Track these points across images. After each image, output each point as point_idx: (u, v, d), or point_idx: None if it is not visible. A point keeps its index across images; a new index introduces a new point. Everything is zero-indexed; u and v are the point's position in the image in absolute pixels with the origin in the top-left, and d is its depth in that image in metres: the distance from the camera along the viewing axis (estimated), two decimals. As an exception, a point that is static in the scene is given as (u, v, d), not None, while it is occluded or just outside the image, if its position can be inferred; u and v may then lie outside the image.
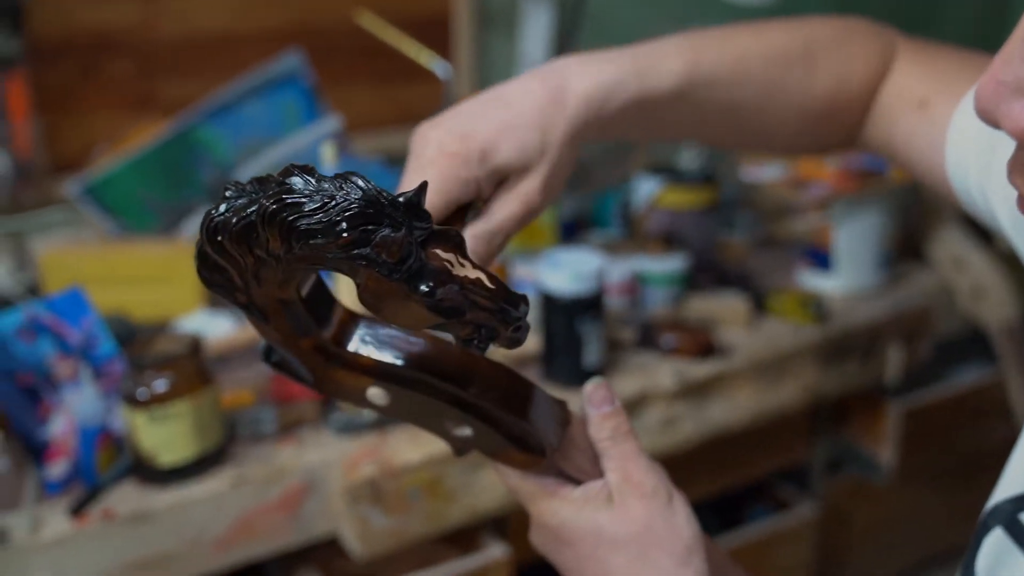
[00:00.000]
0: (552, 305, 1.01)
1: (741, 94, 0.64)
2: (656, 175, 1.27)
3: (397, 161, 1.50)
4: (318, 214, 0.41)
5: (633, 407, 1.05)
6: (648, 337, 1.10)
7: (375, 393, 0.55)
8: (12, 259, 1.22)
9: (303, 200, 0.41)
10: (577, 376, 1.03)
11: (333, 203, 0.41)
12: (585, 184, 1.48)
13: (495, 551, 1.00)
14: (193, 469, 0.87)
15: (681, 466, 1.16)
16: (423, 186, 0.42)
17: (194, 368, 0.86)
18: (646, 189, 1.27)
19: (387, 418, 0.58)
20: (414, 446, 0.94)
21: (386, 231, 0.41)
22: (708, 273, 1.26)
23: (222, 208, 0.43)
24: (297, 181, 0.41)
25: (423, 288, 0.42)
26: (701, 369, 1.08)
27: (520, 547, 1.00)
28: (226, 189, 0.43)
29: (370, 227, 0.41)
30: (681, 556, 0.54)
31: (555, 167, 0.59)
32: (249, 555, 0.90)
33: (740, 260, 1.30)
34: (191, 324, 1.11)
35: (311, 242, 0.41)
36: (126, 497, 0.85)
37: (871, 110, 0.69)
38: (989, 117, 0.35)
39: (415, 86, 1.67)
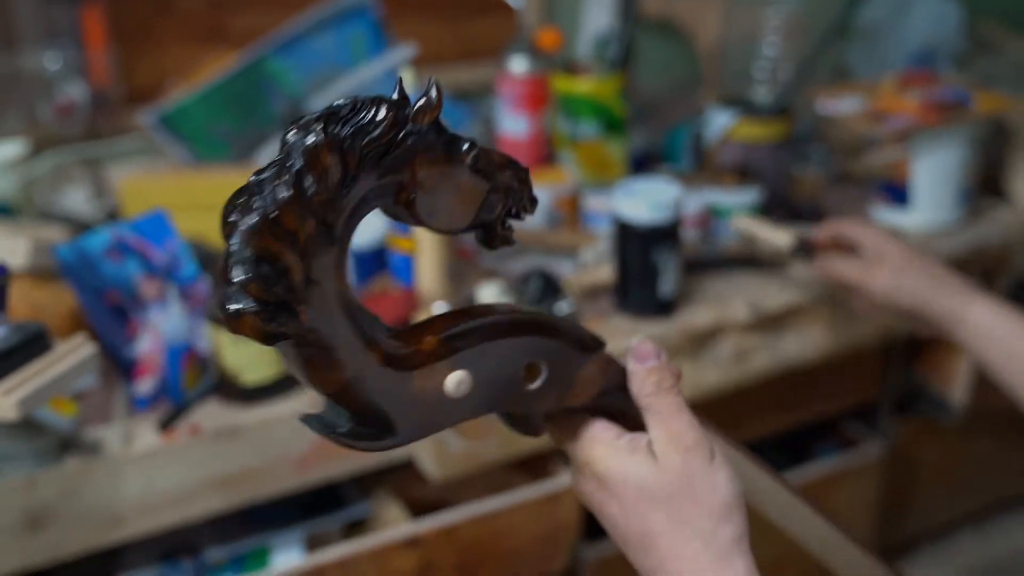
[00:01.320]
0: (628, 234, 1.01)
1: None
2: (729, 108, 1.25)
3: (463, 96, 1.50)
4: (361, 112, 0.43)
5: (706, 339, 1.04)
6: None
7: (457, 381, 0.50)
8: (90, 185, 1.25)
9: (346, 108, 0.43)
10: (652, 306, 1.02)
11: (364, 104, 0.43)
12: (655, 117, 1.47)
13: (566, 478, 1.01)
14: (274, 388, 0.88)
15: (751, 401, 1.16)
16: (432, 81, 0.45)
17: (276, 289, 0.87)
18: (719, 122, 1.25)
19: (467, 419, 0.56)
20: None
21: (410, 108, 0.44)
22: (781, 208, 1.24)
23: (266, 194, 0.42)
24: (338, 103, 0.44)
25: (464, 146, 0.46)
26: (776, 300, 1.07)
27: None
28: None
29: (403, 106, 0.44)
30: (720, 514, 0.53)
31: None
32: (327, 475, 0.92)
33: (813, 195, 1.28)
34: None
35: (364, 138, 0.43)
36: (211, 414, 0.87)
37: None
38: None
39: (481, 20, 1.66)
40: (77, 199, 1.23)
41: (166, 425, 0.84)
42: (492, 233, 0.50)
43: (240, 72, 1.34)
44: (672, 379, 0.56)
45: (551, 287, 0.99)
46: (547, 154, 1.29)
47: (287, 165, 0.42)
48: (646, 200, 0.99)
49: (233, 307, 0.41)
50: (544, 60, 1.27)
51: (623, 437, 0.56)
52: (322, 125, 0.42)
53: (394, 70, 1.34)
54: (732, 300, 1.07)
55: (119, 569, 0.95)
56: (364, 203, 0.45)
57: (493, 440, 0.95)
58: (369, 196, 0.45)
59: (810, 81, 1.31)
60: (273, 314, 0.42)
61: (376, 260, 1.07)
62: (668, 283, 1.02)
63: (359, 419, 0.48)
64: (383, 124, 0.43)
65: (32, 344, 0.71)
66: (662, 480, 0.53)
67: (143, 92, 1.40)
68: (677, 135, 1.36)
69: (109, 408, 0.88)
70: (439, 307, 0.98)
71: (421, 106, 0.44)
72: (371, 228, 1.08)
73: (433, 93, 0.44)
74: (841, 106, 1.23)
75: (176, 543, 0.97)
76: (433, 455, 0.93)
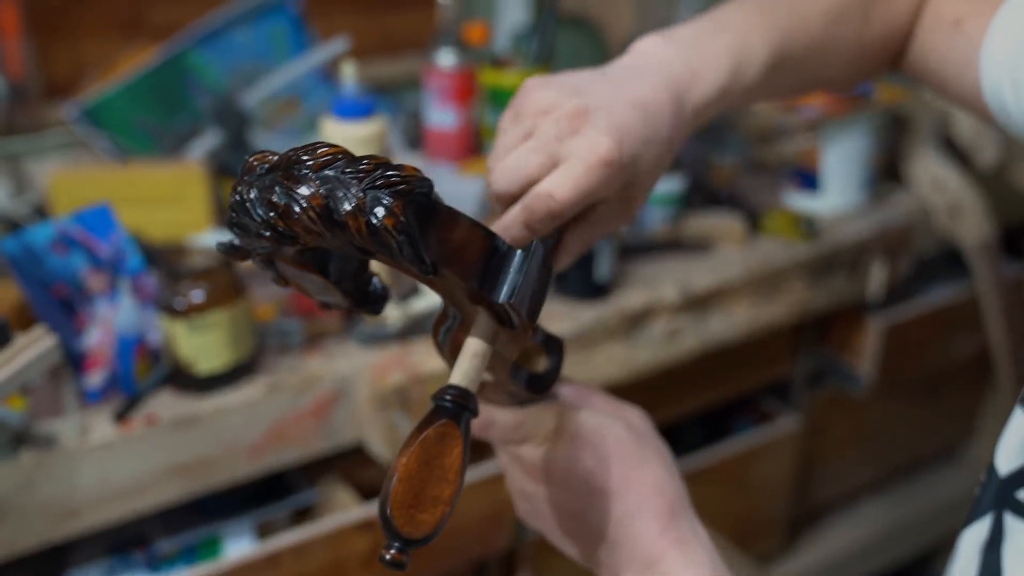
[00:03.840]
0: (564, 220, 1.04)
1: (807, 59, 0.66)
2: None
3: (383, 89, 1.52)
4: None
5: (639, 319, 1.09)
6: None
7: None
8: (11, 181, 1.22)
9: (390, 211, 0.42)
10: (589, 290, 1.07)
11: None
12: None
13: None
14: (229, 377, 0.89)
15: (677, 380, 1.21)
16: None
17: (228, 279, 0.88)
18: (641, 113, 1.30)
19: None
20: (436, 355, 0.97)
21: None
22: (699, 194, 1.30)
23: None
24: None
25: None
26: (703, 281, 1.13)
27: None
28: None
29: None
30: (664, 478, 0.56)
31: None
32: (281, 461, 0.93)
33: (729, 182, 1.35)
34: (203, 243, 1.12)
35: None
36: (166, 404, 0.88)
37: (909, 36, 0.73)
38: None
39: (400, 13, 1.67)
40: (-2, 195, 1.20)
41: (122, 416, 0.84)
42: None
43: (161, 66, 1.33)
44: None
45: (492, 273, 1.02)
46: (474, 145, 1.32)
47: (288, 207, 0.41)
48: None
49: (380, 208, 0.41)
50: (470, 54, 1.30)
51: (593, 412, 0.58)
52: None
53: (324, 64, 1.35)
54: (662, 283, 1.12)
55: (67, 565, 0.94)
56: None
57: (442, 422, 0.98)
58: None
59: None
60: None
61: (317, 250, 1.08)
62: (603, 267, 1.06)
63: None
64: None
65: (-7, 336, 0.71)
66: (613, 451, 0.55)
67: (60, 85, 1.38)
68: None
69: (59, 401, 0.87)
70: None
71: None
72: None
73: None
74: (754, 97, 1.30)
75: (125, 537, 0.97)
76: (384, 438, 0.95)
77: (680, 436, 1.39)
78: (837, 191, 1.28)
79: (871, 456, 1.59)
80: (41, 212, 1.16)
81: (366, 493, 1.03)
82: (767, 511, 1.46)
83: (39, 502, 0.81)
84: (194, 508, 0.99)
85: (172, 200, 1.14)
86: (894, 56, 0.73)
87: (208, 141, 1.23)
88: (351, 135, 0.98)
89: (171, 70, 1.34)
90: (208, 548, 0.97)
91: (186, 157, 1.25)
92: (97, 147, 1.26)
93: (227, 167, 1.21)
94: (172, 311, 0.86)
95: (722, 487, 1.36)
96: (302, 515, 1.06)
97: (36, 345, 0.73)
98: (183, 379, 0.88)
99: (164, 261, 0.88)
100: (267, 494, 1.04)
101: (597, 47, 1.67)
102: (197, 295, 0.86)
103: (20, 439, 0.80)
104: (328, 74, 1.40)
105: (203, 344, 0.87)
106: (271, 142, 1.33)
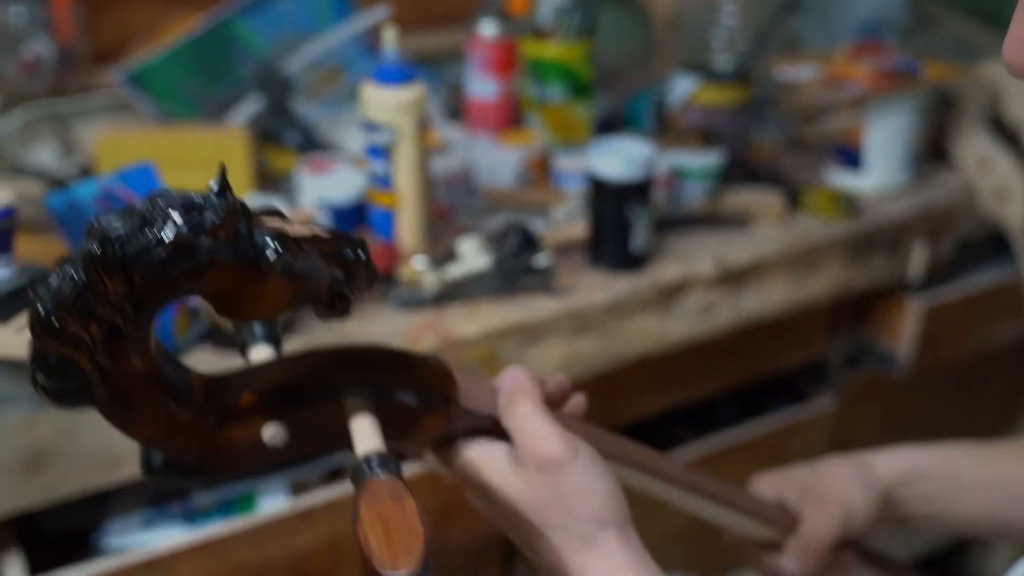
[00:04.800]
0: (602, 190, 1.05)
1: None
2: (691, 74, 1.29)
3: (423, 61, 1.52)
4: (145, 231, 0.40)
5: (674, 292, 1.09)
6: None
7: (272, 433, 0.51)
8: (58, 142, 1.24)
9: (122, 228, 0.40)
10: (624, 260, 1.07)
11: (154, 216, 0.41)
12: (613, 85, 1.51)
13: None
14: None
15: (711, 355, 1.21)
16: (222, 169, 0.44)
17: (267, 238, 0.89)
18: (682, 88, 1.29)
19: (289, 463, 0.58)
20: (471, 320, 0.98)
21: (209, 214, 0.41)
22: (739, 170, 1.29)
23: (42, 293, 0.41)
24: (110, 219, 0.41)
25: (270, 254, 0.43)
26: (740, 256, 1.12)
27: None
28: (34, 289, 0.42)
29: (196, 218, 0.41)
30: (595, 515, 0.54)
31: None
32: (316, 420, 0.94)
33: (770, 158, 1.34)
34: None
35: (148, 260, 0.40)
36: (204, 360, 0.89)
37: None
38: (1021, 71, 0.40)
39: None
40: (45, 156, 1.23)
41: (160, 370, 0.86)
42: (324, 309, 0.48)
43: (207, 32, 1.35)
44: (523, 391, 0.58)
45: (529, 241, 1.03)
46: (515, 117, 1.32)
47: (69, 274, 0.41)
48: (619, 157, 1.03)
49: (36, 384, 0.43)
50: (512, 25, 1.30)
51: (504, 453, 0.57)
52: (97, 245, 0.40)
53: (365, 32, 1.36)
54: (698, 256, 1.12)
55: (106, 516, 0.96)
56: (158, 301, 0.43)
57: (475, 387, 0.99)
58: (163, 297, 0.43)
59: (767, 50, 1.37)
60: (69, 398, 0.43)
61: (355, 215, 1.09)
62: (639, 238, 1.06)
63: (170, 461, 0.50)
64: (169, 246, 0.40)
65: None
66: (530, 496, 0.55)
67: (107, 50, 1.40)
68: (639, 101, 1.40)
69: (101, 354, 0.89)
70: (419, 261, 1.01)
71: (217, 222, 0.41)
72: (349, 184, 1.10)
73: (230, 199, 0.42)
74: (798, 73, 1.29)
75: (162, 490, 0.99)
76: (418, 401, 0.96)
77: (714, 413, 1.38)
78: (880, 169, 1.27)
79: (905, 442, 1.58)
80: (87, 172, 1.18)
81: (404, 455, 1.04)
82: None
83: (82, 450, 0.83)
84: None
85: (214, 164, 1.15)
86: None
87: (250, 107, 1.24)
88: (391, 100, 0.99)
89: (216, 37, 1.36)
90: (244, 503, 0.99)
91: (228, 122, 1.26)
92: (142, 111, 1.28)
93: (268, 133, 1.23)
94: (212, 268, 0.87)
95: (756, 465, 1.36)
96: (333, 476, 1.07)
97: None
98: (222, 336, 0.90)
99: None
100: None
101: (639, 23, 1.66)
102: (237, 253, 0.87)
103: (63, 388, 0.82)
104: (371, 46, 1.41)
105: (241, 302, 0.88)
106: (313, 111, 1.34)
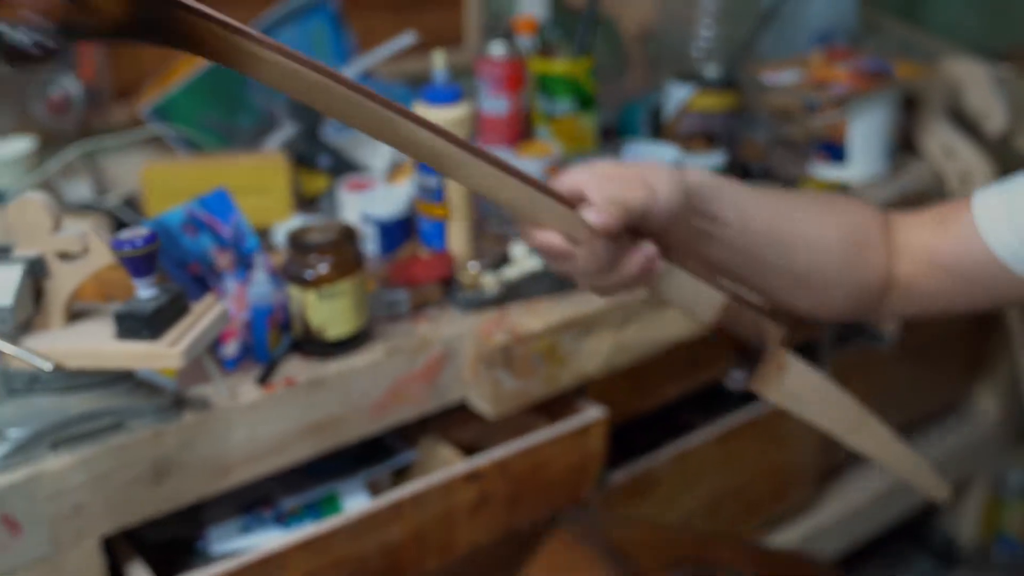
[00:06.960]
0: (634, 192, 1.14)
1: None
2: (686, 83, 1.40)
3: (418, 83, 1.60)
4: None
5: (701, 282, 1.18)
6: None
7: None
8: (93, 178, 1.28)
9: None
10: (657, 254, 1.16)
11: None
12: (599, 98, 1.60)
13: (593, 412, 1.13)
14: (354, 342, 0.97)
15: (709, 340, 1.31)
16: None
17: (350, 251, 0.96)
18: (678, 95, 1.40)
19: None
20: (534, 316, 1.06)
21: None
22: (734, 169, 1.40)
23: None
24: None
25: None
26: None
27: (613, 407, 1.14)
28: None
29: None
30: None
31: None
32: (398, 418, 1.01)
33: (761, 157, 1.45)
34: (288, 229, 1.20)
35: None
36: (298, 368, 0.95)
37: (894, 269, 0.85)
38: None
39: (429, 12, 1.76)
40: (82, 192, 1.27)
41: (264, 379, 0.92)
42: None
43: (215, 66, 1.40)
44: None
45: (571, 242, 1.11)
46: (526, 130, 1.41)
47: None
48: (656, 160, 1.12)
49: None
50: (518, 45, 1.39)
51: None
52: None
53: (394, 54, 1.43)
54: (718, 247, 1.22)
55: (203, 524, 1.01)
56: None
57: (539, 378, 1.07)
58: None
59: (749, 58, 1.48)
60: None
61: (403, 228, 1.16)
62: (669, 234, 1.16)
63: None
64: None
65: (177, 303, 0.78)
66: None
67: (124, 88, 1.44)
68: (634, 109, 1.51)
69: (201, 370, 0.94)
70: (474, 266, 1.09)
71: None
72: (393, 198, 1.17)
73: None
74: (783, 78, 1.40)
75: (250, 497, 1.04)
76: (489, 394, 1.04)
77: (718, 395, 1.49)
78: (862, 161, 1.39)
79: (892, 409, 1.71)
80: (131, 204, 1.22)
81: (465, 449, 1.11)
82: (799, 463, 1.56)
83: (198, 459, 0.88)
84: (303, 471, 1.07)
85: (257, 189, 1.21)
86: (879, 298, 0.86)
87: (284, 134, 1.30)
88: (442, 119, 1.07)
89: (226, 70, 1.41)
90: (328, 504, 1.05)
91: (264, 149, 1.32)
92: (171, 143, 1.33)
93: (302, 157, 1.29)
94: (303, 282, 0.94)
95: (760, 442, 1.46)
96: (400, 474, 1.14)
97: (211, 311, 0.80)
98: (311, 345, 0.96)
99: (291, 237, 0.96)
100: (369, 456, 1.12)
101: (609, 39, 1.77)
102: (324, 267, 0.94)
103: (180, 402, 0.87)
104: (367, 72, 1.48)
105: (332, 312, 0.95)
106: (336, 134, 1.40)
